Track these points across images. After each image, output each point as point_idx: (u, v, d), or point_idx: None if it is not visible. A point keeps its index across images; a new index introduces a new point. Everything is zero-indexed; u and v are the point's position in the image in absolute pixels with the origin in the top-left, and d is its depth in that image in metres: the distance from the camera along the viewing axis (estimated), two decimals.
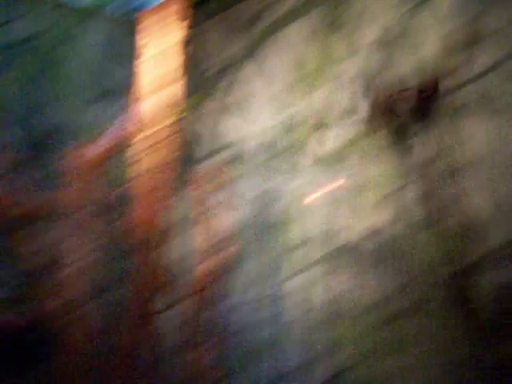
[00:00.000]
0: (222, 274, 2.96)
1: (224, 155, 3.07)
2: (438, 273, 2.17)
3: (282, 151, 2.85)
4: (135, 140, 3.00)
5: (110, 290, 2.83)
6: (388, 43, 2.52)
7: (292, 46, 2.82)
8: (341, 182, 2.59)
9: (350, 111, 2.61)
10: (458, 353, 2.09)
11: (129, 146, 2.99)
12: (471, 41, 2.11)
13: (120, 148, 3.00)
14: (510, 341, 1.82)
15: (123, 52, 3.10)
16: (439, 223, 1.66)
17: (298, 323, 2.69)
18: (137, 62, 2.99)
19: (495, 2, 2.19)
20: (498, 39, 2.16)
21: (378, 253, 2.44)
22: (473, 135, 2.23)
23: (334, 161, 2.65)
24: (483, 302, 1.65)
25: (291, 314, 2.74)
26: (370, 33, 2.52)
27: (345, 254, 2.56)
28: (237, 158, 3.04)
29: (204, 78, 3.18)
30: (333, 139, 2.65)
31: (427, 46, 2.37)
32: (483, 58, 2.22)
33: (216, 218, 2.91)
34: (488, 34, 2.22)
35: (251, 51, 2.98)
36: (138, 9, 3.12)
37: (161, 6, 3.04)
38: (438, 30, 1.75)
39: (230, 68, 3.10)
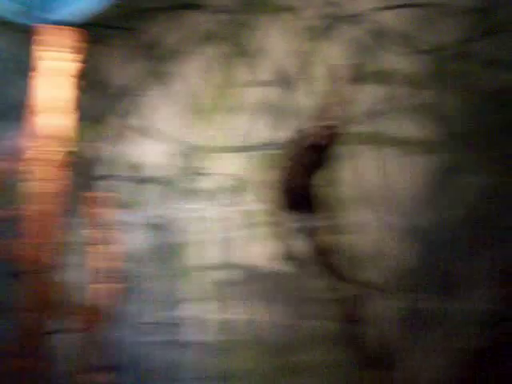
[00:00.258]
0: (117, 296, 2.96)
1: (123, 178, 3.06)
2: (327, 306, 2.20)
3: (181, 176, 2.83)
4: (29, 159, 2.96)
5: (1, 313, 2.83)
6: (287, 76, 2.51)
7: (194, 73, 2.81)
8: (238, 209, 2.56)
9: (250, 140, 2.59)
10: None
11: (22, 165, 2.96)
12: (362, 77, 2.14)
13: (12, 167, 2.98)
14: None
15: (22, 66, 3.10)
16: (325, 258, 1.69)
17: (194, 347, 2.68)
18: (33, 78, 2.97)
19: (391, 39, 2.21)
20: (389, 77, 2.19)
21: (272, 284, 2.42)
22: (363, 170, 2.26)
23: (232, 189, 2.65)
24: (368, 334, 1.67)
25: (187, 338, 2.73)
26: (270, 64, 2.53)
27: (242, 281, 2.55)
28: (136, 181, 3.02)
29: (104, 99, 3.19)
30: (231, 167, 2.65)
31: (322, 81, 2.37)
32: (371, 95, 2.25)
33: (113, 240, 2.90)
34: (382, 70, 2.23)
35: (154, 75, 2.97)
36: (39, 22, 3.06)
37: (61, 24, 3.00)
38: (334, 65, 1.78)
39: (132, 90, 3.09)
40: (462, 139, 2.17)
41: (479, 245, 2.02)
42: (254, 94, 2.63)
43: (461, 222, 2.10)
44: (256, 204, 2.59)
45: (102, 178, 3.20)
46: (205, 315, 2.72)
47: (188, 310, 2.80)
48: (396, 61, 2.25)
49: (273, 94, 2.58)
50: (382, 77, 2.27)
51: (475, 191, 2.13)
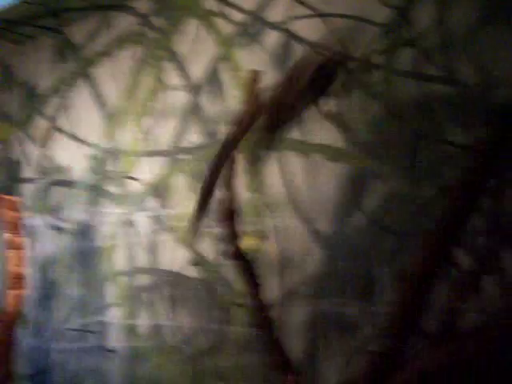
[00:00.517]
0: (38, 300, 2.95)
1: (47, 181, 3.06)
2: (243, 311, 2.26)
3: (103, 180, 2.85)
4: None
5: None
6: (216, 78, 2.55)
7: (124, 72, 2.82)
8: (165, 210, 2.60)
9: (178, 141, 2.62)
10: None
11: None
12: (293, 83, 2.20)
13: None
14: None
15: None
16: (241, 263, 1.76)
17: (115, 353, 2.69)
18: None
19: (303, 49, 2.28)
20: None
21: (187, 290, 2.47)
22: (292, 173, 2.32)
23: (159, 189, 2.67)
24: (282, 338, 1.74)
25: (109, 344, 2.74)
26: (199, 66, 2.57)
27: (167, 285, 2.57)
28: (60, 185, 3.02)
29: (33, 97, 3.18)
30: (159, 168, 2.67)
31: (240, 87, 2.43)
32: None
33: (24, 245, 2.87)
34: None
35: (79, 77, 2.98)
36: None
37: None
38: (255, 71, 1.86)
39: (57, 92, 3.08)
40: (370, 148, 2.25)
41: (390, 251, 2.08)
42: (180, 99, 2.62)
43: (369, 228, 2.16)
44: (177, 208, 2.57)
45: (26, 180, 3.12)
46: (125, 321, 2.68)
47: (109, 316, 2.75)
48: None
49: (196, 98, 2.58)
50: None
51: (383, 199, 2.20)
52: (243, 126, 1.77)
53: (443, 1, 2.15)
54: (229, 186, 1.81)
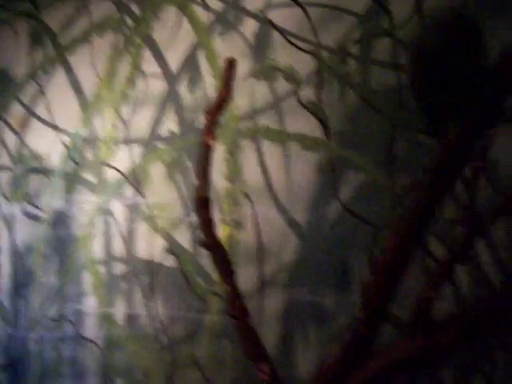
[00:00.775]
0: (14, 289, 2.94)
1: (26, 166, 3.04)
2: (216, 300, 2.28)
3: (85, 165, 2.84)
4: None
5: None
6: (194, 66, 2.54)
7: (101, 59, 2.79)
8: (141, 200, 2.59)
9: (154, 130, 2.62)
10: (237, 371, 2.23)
11: None
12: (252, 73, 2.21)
13: None
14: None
15: None
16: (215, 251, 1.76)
17: (88, 343, 2.69)
18: None
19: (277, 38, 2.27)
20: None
21: (161, 278, 2.48)
22: (269, 162, 2.33)
23: (136, 178, 2.65)
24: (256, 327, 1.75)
25: (90, 331, 2.73)
26: (178, 54, 2.55)
27: (143, 273, 2.57)
28: (39, 170, 3.00)
29: (9, 84, 3.15)
30: (136, 157, 2.66)
31: (212, 76, 2.44)
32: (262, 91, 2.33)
33: (12, 230, 2.87)
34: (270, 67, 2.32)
35: (60, 60, 2.96)
36: None
37: None
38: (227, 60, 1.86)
39: (30, 79, 3.06)
40: (345, 137, 2.25)
41: (366, 240, 2.09)
42: (158, 86, 2.61)
43: (341, 218, 2.17)
44: (154, 197, 2.56)
45: (2, 168, 3.08)
46: (101, 309, 2.67)
47: (86, 305, 2.74)
48: (285, 58, 2.30)
49: (175, 86, 2.56)
50: (270, 73, 2.31)
51: (357, 188, 2.21)
52: (216, 112, 1.77)
53: None
54: (203, 174, 1.80)
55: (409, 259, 1.50)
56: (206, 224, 1.75)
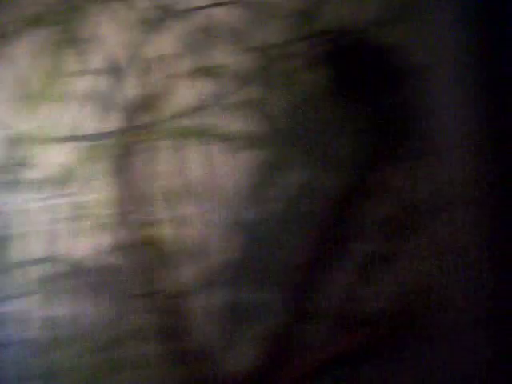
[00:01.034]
0: None
1: None
2: (152, 300, 2.24)
3: (5, 166, 2.81)
4: None
5: None
6: (117, 66, 2.50)
7: (19, 60, 2.74)
8: (65, 201, 2.57)
9: (78, 130, 2.58)
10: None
11: None
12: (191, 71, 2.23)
13: None
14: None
15: None
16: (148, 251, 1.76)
17: (16, 346, 2.67)
18: None
19: (220, 35, 2.29)
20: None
21: (97, 278, 2.46)
22: (188, 164, 2.31)
23: (59, 180, 2.58)
24: (188, 328, 1.75)
25: (9, 336, 2.70)
26: (101, 52, 2.50)
27: (66, 277, 2.52)
28: None
29: None
30: (58, 157, 2.59)
31: (150, 73, 2.40)
32: (199, 90, 2.31)
33: None
34: (211, 65, 2.32)
35: None
36: None
37: None
38: (163, 57, 1.86)
39: None
40: (285, 136, 2.25)
41: (298, 239, 2.09)
42: (84, 83, 2.56)
43: (282, 216, 2.17)
44: (83, 195, 2.52)
45: None
46: (28, 312, 2.61)
47: (11, 307, 2.67)
48: (225, 56, 2.28)
49: (102, 83, 2.52)
50: (210, 71, 2.30)
51: (296, 187, 2.21)
52: (145, 110, 1.75)
53: None
54: (136, 172, 1.78)
55: (331, 256, 1.50)
56: (138, 222, 1.72)
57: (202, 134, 2.34)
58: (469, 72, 1.61)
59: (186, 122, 2.35)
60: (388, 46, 1.46)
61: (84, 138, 2.57)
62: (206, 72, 2.31)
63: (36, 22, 2.69)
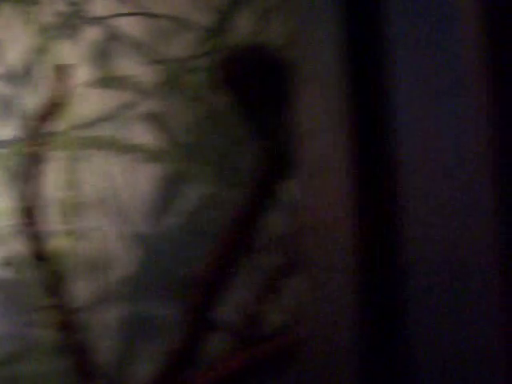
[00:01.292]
0: None
1: None
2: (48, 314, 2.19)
3: None
4: None
5: None
6: (32, 69, 2.47)
7: None
8: None
9: None
10: None
11: None
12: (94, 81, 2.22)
13: None
14: None
15: None
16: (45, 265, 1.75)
17: None
18: None
19: (125, 46, 2.30)
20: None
21: (6, 286, 2.43)
22: (87, 176, 2.30)
23: None
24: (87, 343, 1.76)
25: None
26: (14, 54, 2.45)
27: None
28: None
29: None
30: None
31: (51, 81, 2.41)
32: (101, 100, 2.31)
33: None
34: (114, 76, 2.32)
35: None
36: None
37: None
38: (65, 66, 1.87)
39: None
40: (188, 150, 2.25)
41: (198, 253, 2.09)
42: None
43: (182, 230, 2.16)
44: None
45: None
46: None
47: None
48: (129, 68, 2.26)
49: (11, 89, 2.45)
50: (113, 82, 2.27)
51: (198, 201, 2.21)
52: (45, 119, 1.71)
53: (265, 10, 2.22)
54: (33, 182, 1.74)
55: (231, 271, 1.52)
56: (34, 234, 1.68)
57: (103, 146, 2.31)
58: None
59: (87, 133, 2.32)
60: (288, 63, 1.49)
61: None
62: (108, 83, 2.28)
63: None
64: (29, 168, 1.72)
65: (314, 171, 0.84)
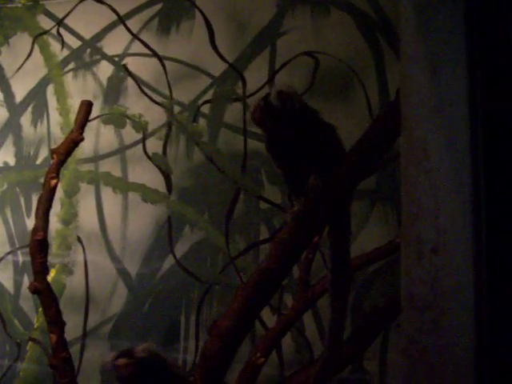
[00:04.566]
0: None
1: None
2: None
3: None
4: None
5: None
6: (42, 100, 2.44)
7: None
8: None
9: None
10: None
11: None
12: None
13: None
14: None
15: None
16: None
17: None
18: None
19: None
20: None
21: None
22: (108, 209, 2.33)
23: None
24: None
25: None
26: (26, 85, 2.46)
27: None
28: None
29: None
30: None
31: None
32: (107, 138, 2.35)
33: None
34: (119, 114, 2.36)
35: None
36: None
37: None
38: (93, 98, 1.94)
39: None
40: (189, 195, 2.27)
41: (198, 299, 2.09)
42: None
43: (185, 275, 2.13)
44: None
45: None
46: None
47: None
48: (136, 107, 2.28)
49: (9, 116, 2.43)
50: (118, 120, 2.28)
51: (197, 246, 2.23)
52: (64, 154, 1.71)
53: (272, 63, 2.28)
54: (43, 215, 1.73)
55: (249, 326, 1.53)
56: (40, 268, 1.67)
57: (100, 182, 2.31)
58: None
59: (85, 168, 2.32)
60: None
61: None
62: (115, 120, 2.29)
63: None
64: (41, 200, 1.71)
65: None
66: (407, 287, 0.90)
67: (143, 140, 2.14)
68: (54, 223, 2.24)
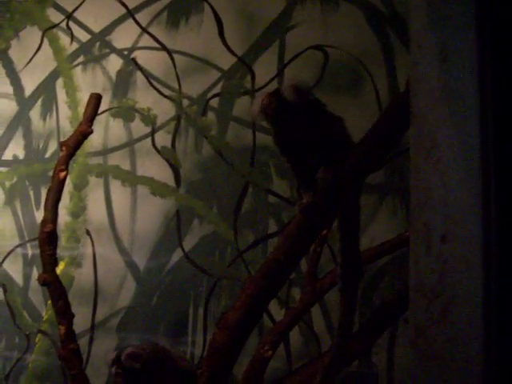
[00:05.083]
0: None
1: None
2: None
3: None
4: None
5: None
6: (51, 94, 2.44)
7: None
8: None
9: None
10: None
11: None
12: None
13: None
14: None
15: None
16: None
17: None
18: None
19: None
20: None
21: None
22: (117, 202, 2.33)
23: None
24: None
25: None
26: (35, 78, 2.45)
27: None
28: None
29: None
30: None
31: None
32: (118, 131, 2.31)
33: None
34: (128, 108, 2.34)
35: None
36: None
37: None
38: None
39: None
40: (198, 188, 2.28)
41: (206, 292, 2.09)
42: (9, 108, 2.45)
43: (194, 268, 2.14)
44: None
45: None
46: None
47: None
48: (145, 101, 2.28)
49: (19, 109, 2.43)
50: (127, 113, 2.29)
51: (206, 240, 2.23)
52: (73, 147, 1.72)
53: (281, 57, 2.28)
54: (53, 207, 1.73)
55: (257, 318, 1.53)
56: (49, 260, 1.67)
57: (109, 175, 2.31)
58: None
59: (94, 161, 2.32)
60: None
61: None
62: (124, 113, 2.30)
63: None
64: (50, 193, 1.72)
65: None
66: (416, 277, 0.90)
67: (152, 133, 2.15)
68: (63, 216, 2.25)
